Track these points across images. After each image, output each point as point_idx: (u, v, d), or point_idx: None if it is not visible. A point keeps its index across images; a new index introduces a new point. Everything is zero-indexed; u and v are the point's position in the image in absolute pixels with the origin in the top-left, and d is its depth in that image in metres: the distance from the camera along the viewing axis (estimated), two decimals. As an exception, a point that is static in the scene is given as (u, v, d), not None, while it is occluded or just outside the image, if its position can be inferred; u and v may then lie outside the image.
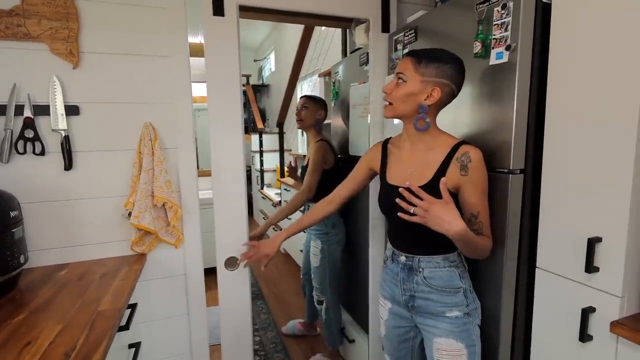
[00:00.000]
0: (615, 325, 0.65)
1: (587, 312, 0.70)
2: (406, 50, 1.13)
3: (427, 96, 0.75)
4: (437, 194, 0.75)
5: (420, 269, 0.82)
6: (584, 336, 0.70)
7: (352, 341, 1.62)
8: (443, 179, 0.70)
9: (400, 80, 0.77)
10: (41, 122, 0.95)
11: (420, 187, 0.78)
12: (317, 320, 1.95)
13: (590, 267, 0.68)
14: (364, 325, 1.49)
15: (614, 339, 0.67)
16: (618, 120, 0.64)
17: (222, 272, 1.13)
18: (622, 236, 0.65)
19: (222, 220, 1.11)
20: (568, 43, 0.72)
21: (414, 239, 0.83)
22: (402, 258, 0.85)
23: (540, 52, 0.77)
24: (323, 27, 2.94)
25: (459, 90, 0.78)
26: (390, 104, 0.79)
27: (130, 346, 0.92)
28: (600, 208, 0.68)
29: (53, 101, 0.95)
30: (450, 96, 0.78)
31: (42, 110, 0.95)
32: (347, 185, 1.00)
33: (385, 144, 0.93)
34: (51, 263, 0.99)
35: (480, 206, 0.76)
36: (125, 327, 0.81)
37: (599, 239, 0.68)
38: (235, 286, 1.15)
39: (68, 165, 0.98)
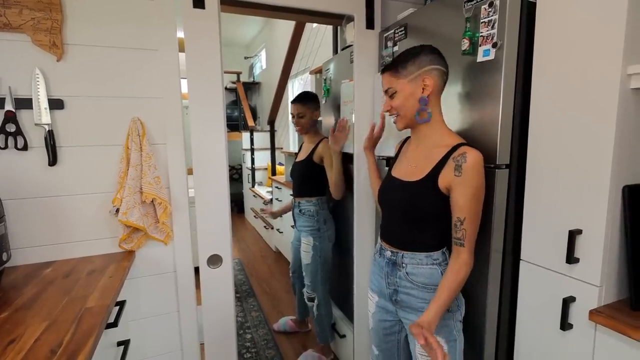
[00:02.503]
0: (594, 314, 0.68)
1: (567, 302, 0.73)
2: (396, 48, 1.14)
3: (423, 88, 0.77)
4: (426, 190, 0.77)
5: (404, 265, 0.82)
6: (565, 325, 0.73)
7: (343, 336, 1.63)
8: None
9: (393, 95, 0.79)
10: (23, 115, 0.93)
11: (413, 182, 0.80)
12: (308, 317, 1.96)
13: (571, 258, 0.71)
14: (347, 313, 1.50)
15: (592, 327, 0.70)
16: (597, 117, 0.67)
17: (204, 270, 1.11)
18: (601, 228, 0.67)
19: (205, 218, 1.09)
20: (551, 41, 0.74)
21: (399, 235, 0.84)
22: (388, 253, 0.86)
23: (526, 50, 0.79)
24: (314, 25, 2.93)
25: (447, 68, 0.79)
26: (398, 115, 0.81)
27: (119, 344, 0.91)
28: (580, 201, 0.71)
29: (36, 94, 0.92)
30: (442, 77, 0.78)
31: (25, 103, 0.92)
32: None
33: (405, 140, 0.95)
34: (36, 261, 0.96)
35: (468, 212, 0.74)
36: (114, 325, 0.80)
37: (579, 231, 0.71)
38: (219, 284, 1.13)
39: (52, 160, 0.95)
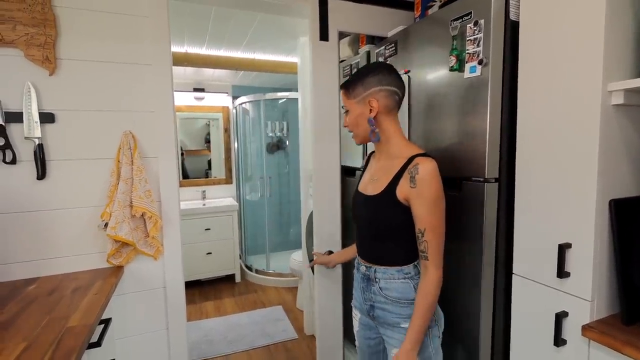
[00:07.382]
0: (586, 329, 0.67)
1: (560, 317, 0.72)
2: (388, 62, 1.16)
3: (370, 110, 0.78)
4: (385, 204, 0.77)
5: (377, 280, 0.81)
6: (559, 340, 0.72)
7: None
8: None
9: (347, 113, 0.84)
10: (13, 129, 0.92)
11: (373, 195, 0.80)
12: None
13: (562, 272, 0.71)
14: (347, 334, 1.47)
15: (586, 343, 0.69)
16: (581, 133, 0.68)
17: (319, 268, 1.30)
18: (590, 242, 0.68)
19: (321, 219, 1.29)
20: (535, 59, 0.76)
21: (369, 249, 0.83)
22: (363, 267, 0.85)
23: (511, 66, 0.81)
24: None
25: (398, 87, 0.78)
26: (352, 131, 0.85)
27: (103, 364, 0.88)
28: (569, 215, 0.71)
29: (27, 108, 0.92)
30: (391, 97, 0.77)
31: (15, 117, 0.92)
32: None
33: (370, 155, 0.95)
34: (19, 277, 0.94)
35: (427, 222, 0.72)
36: (97, 344, 0.77)
37: (568, 245, 0.71)
38: (330, 282, 1.33)
39: (41, 174, 0.94)
